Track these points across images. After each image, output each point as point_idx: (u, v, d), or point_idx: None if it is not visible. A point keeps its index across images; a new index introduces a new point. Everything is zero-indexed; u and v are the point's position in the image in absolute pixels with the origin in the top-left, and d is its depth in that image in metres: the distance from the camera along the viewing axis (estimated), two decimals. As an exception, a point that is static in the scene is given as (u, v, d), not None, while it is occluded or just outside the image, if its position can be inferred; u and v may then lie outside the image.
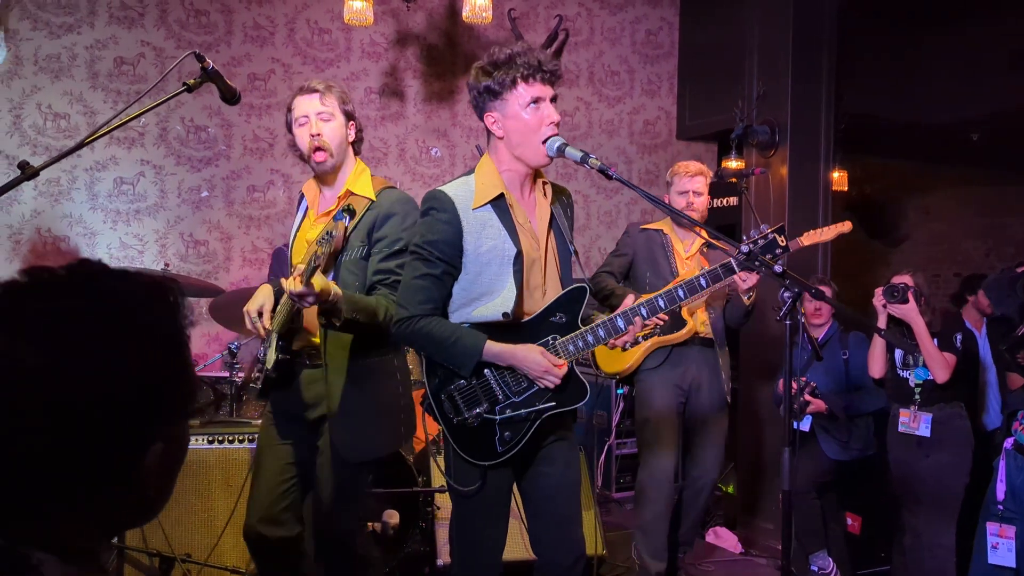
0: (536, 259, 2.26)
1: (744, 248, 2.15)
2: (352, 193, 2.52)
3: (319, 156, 2.48)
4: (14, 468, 0.77)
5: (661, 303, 2.24)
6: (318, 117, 2.49)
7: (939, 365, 3.43)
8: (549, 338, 2.20)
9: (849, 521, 4.07)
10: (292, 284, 2.21)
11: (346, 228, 2.29)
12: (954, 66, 5.45)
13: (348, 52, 4.86)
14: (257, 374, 2.74)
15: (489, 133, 2.25)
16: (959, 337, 3.52)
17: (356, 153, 2.61)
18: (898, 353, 3.59)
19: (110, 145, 4.37)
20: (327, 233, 2.22)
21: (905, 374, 3.57)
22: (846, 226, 3.53)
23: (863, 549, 4.02)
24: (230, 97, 2.32)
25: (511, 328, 2.21)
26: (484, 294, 2.22)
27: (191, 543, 3.24)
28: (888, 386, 3.71)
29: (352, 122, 2.57)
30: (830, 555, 3.90)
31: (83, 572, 0.81)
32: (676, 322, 3.53)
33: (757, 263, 2.13)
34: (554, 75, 2.20)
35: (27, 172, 1.88)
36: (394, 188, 2.55)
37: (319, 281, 2.21)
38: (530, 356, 2.15)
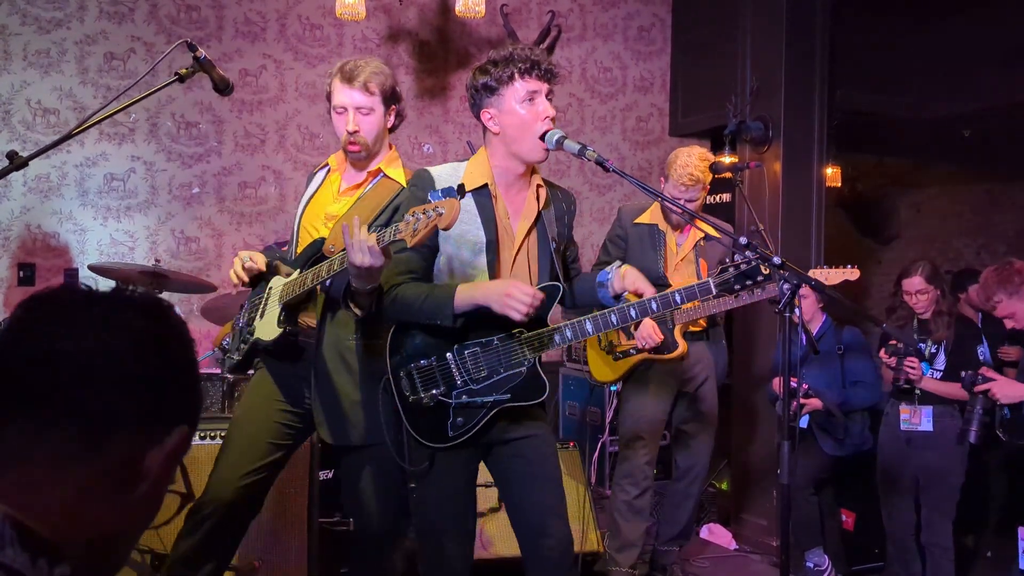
0: (509, 255, 2.26)
1: (717, 279, 2.15)
2: (384, 174, 2.44)
3: (354, 148, 2.41)
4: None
5: (614, 319, 2.21)
6: (357, 111, 2.38)
7: (956, 395, 3.40)
8: (516, 331, 2.20)
9: (844, 517, 4.07)
10: (369, 238, 1.98)
11: (458, 205, 1.92)
12: (947, 62, 5.44)
13: (340, 47, 4.83)
14: (242, 344, 2.48)
15: (486, 131, 2.26)
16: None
17: (391, 132, 2.50)
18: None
19: (100, 141, 4.33)
20: (434, 208, 1.89)
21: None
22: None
23: (857, 545, 4.02)
24: (223, 87, 2.30)
25: (479, 316, 2.19)
26: (456, 279, 2.22)
27: (183, 541, 3.20)
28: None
29: (393, 107, 2.45)
30: (825, 552, 3.90)
31: None
32: (668, 343, 3.47)
33: (737, 287, 2.12)
34: (551, 73, 2.23)
35: (15, 162, 1.86)
36: None
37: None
38: (495, 286, 2.13)
